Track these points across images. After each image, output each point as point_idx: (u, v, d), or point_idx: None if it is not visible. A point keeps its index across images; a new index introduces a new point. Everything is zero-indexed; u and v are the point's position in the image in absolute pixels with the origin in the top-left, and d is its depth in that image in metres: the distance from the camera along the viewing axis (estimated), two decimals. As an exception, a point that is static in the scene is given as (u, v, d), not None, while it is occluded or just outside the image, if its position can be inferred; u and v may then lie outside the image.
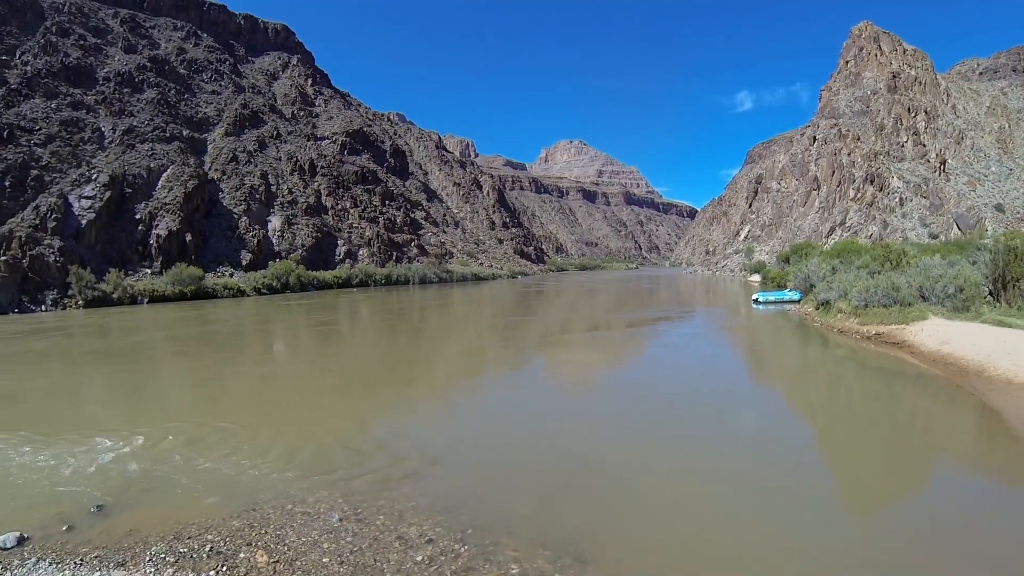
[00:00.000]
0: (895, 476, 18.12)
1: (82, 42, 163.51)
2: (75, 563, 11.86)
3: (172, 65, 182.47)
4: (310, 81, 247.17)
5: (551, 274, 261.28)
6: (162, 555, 12.02)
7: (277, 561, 11.57)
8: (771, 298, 75.43)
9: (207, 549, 12.17)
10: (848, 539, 13.32)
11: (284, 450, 19.31)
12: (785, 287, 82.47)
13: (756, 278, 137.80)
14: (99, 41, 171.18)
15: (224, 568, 11.39)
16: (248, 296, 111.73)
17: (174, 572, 11.24)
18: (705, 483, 17.08)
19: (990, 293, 42.18)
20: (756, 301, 76.20)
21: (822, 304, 52.81)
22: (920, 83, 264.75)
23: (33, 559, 12.03)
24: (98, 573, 11.44)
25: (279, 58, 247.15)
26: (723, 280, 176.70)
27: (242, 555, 11.84)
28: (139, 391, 31.53)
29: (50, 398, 29.79)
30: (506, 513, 13.95)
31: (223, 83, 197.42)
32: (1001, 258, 40.36)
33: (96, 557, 12.07)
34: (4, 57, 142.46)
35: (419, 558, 11.51)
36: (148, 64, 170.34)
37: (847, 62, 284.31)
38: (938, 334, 35.98)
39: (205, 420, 23.54)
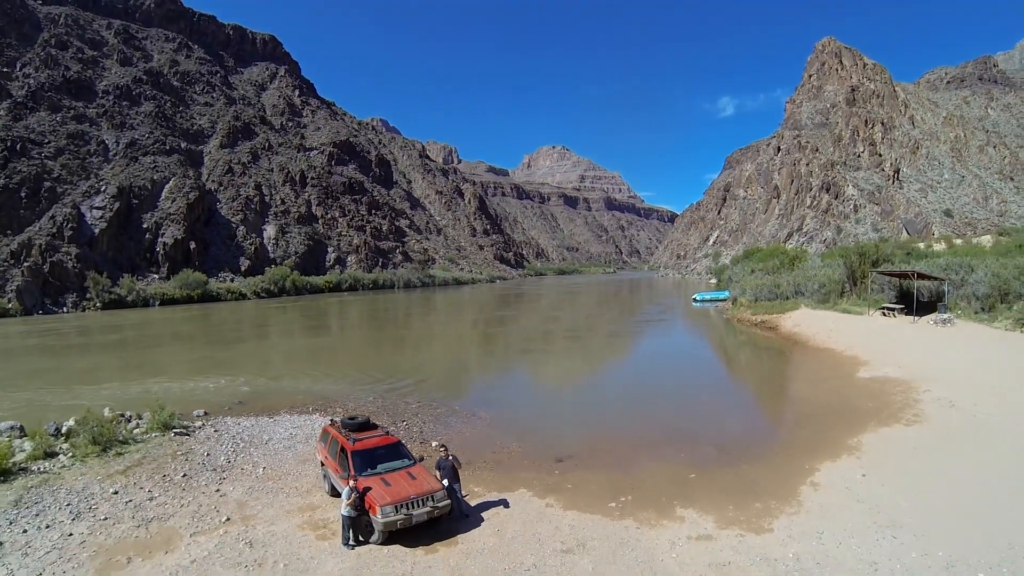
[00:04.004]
0: (703, 380, 33.51)
1: (80, 55, 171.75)
2: (244, 416, 23.72)
3: (166, 78, 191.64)
4: (297, 92, 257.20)
5: (529, 278, 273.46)
6: (288, 411, 24.26)
7: (346, 409, 23.76)
8: (707, 297, 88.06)
9: (310, 408, 24.57)
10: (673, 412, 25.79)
11: (331, 380, 32.60)
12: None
13: (715, 280, 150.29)
14: (96, 53, 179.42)
15: (324, 411, 23.60)
16: (248, 299, 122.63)
17: (299, 414, 23.30)
18: (589, 382, 30.08)
19: (851, 287, 54.79)
20: (695, 300, 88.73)
21: (734, 300, 65.45)
22: (878, 96, 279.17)
23: (220, 416, 23.81)
24: (259, 418, 23.30)
25: (267, 68, 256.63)
26: (689, 283, 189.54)
27: (329, 409, 24.00)
28: (219, 359, 44.22)
29: (163, 362, 41.99)
30: (458, 396, 28.05)
31: (215, 95, 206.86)
32: (851, 261, 53.04)
33: (253, 414, 24.05)
34: (5, 69, 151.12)
35: (413, 406, 24.93)
36: (144, 77, 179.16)
37: (810, 76, 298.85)
38: (796, 320, 48.58)
39: (276, 370, 37.01)
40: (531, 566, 11.67)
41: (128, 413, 23.65)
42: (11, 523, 14.15)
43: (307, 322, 75.51)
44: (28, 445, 19.68)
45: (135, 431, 21.24)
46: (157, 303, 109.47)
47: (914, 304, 44.73)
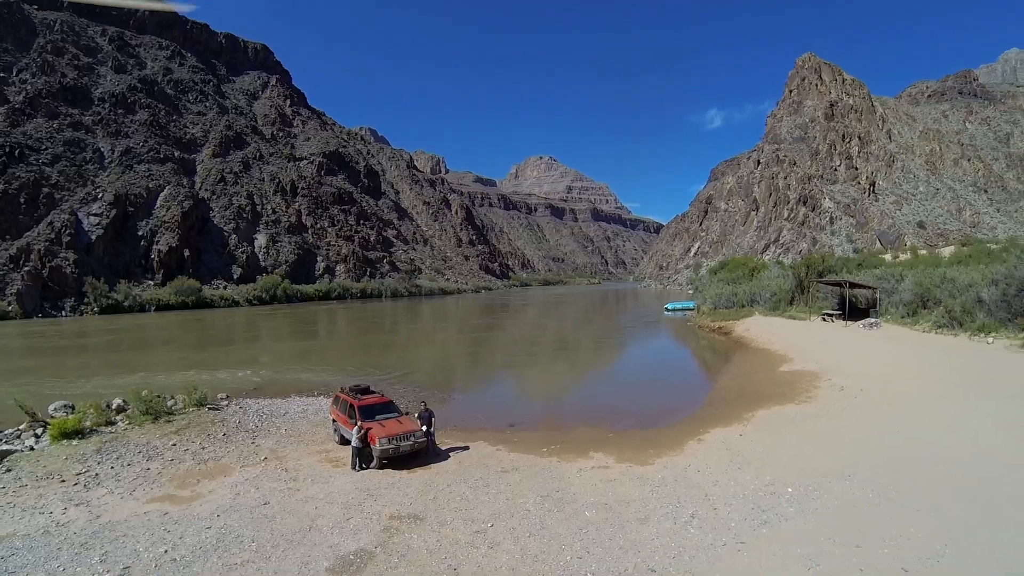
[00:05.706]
0: (648, 375, 37.48)
1: (76, 62, 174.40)
2: (261, 398, 28.75)
3: (160, 86, 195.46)
4: (288, 102, 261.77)
5: (514, 289, 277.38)
6: (297, 395, 29.26)
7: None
8: (678, 307, 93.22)
9: (315, 392, 29.65)
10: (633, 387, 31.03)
11: (329, 372, 37.73)
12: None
13: (692, 291, 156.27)
14: (91, 60, 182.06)
15: (327, 395, 28.60)
16: (241, 306, 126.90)
17: (307, 396, 28.35)
18: (551, 376, 35.16)
19: (799, 296, 60.42)
20: (667, 309, 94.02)
21: (698, 309, 71.02)
22: (856, 111, 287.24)
23: (241, 399, 28.81)
24: (274, 400, 28.32)
25: (259, 78, 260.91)
26: (670, 293, 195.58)
27: (331, 393, 28.98)
28: (225, 357, 48.78)
29: (188, 358, 46.58)
30: (438, 385, 32.67)
31: (208, 104, 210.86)
32: (799, 272, 58.74)
33: (268, 397, 29.11)
34: (2, 74, 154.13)
35: (400, 390, 29.87)
36: (138, 84, 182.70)
37: (791, 91, 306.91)
38: (746, 325, 54.07)
39: (280, 365, 42.10)
40: (479, 478, 17.02)
41: (165, 395, 28.62)
42: (99, 463, 19.15)
43: (301, 327, 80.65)
44: (90, 415, 24.64)
45: (174, 407, 26.24)
46: (153, 308, 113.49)
47: (846, 309, 50.42)
